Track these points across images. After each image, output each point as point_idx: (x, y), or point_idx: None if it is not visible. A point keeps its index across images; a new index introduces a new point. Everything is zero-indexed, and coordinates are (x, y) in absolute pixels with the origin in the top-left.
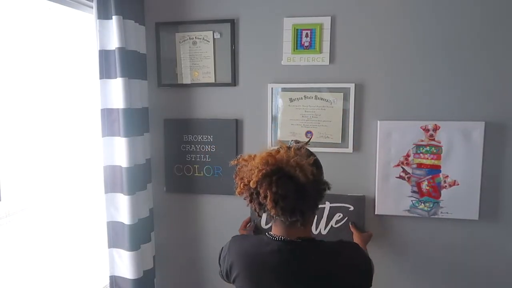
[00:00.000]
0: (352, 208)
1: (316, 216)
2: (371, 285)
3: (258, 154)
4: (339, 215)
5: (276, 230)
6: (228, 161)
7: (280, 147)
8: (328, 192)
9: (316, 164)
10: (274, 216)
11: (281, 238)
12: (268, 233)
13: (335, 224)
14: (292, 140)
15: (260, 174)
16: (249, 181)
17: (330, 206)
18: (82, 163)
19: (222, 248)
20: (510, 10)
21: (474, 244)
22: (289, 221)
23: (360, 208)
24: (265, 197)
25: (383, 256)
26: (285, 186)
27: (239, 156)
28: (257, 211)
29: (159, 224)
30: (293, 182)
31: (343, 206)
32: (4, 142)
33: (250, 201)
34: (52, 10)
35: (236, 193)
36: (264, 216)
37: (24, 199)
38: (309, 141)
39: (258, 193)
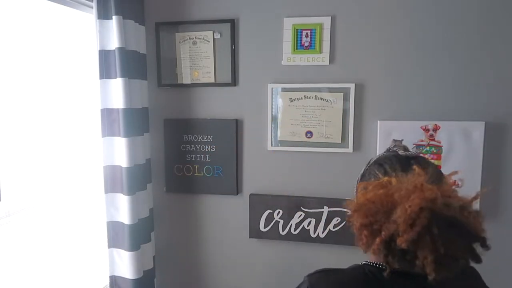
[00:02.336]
0: (350, 212)
1: (315, 219)
2: None
3: (396, 191)
4: (337, 219)
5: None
6: (228, 161)
7: (417, 172)
8: (327, 196)
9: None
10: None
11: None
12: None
13: (333, 228)
14: (394, 146)
15: (416, 228)
16: (396, 234)
17: (328, 211)
18: (82, 163)
19: None
20: (510, 10)
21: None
22: None
23: None
24: (425, 258)
25: None
26: (454, 244)
27: (357, 187)
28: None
29: (159, 224)
30: (464, 235)
31: (342, 211)
32: (4, 142)
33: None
34: (52, 10)
35: (364, 250)
36: (264, 218)
37: (24, 199)
38: (420, 151)
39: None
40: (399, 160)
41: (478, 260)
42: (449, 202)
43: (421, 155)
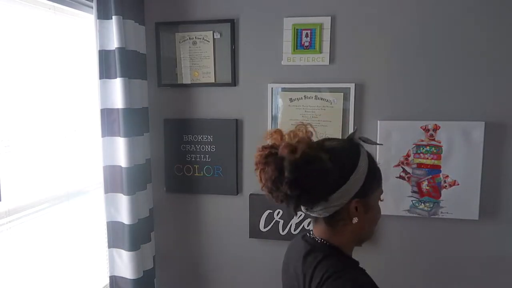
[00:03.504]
0: None
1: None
2: None
3: None
4: None
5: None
6: (228, 161)
7: None
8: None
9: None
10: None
11: (308, 233)
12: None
13: None
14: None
15: None
16: None
17: None
18: (82, 163)
19: None
20: (510, 10)
21: (474, 244)
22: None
23: None
24: None
25: (383, 256)
26: None
27: None
28: None
29: (159, 224)
30: None
31: None
32: (5, 142)
33: None
34: (52, 10)
35: None
36: (264, 218)
37: (24, 199)
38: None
39: None
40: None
41: None
42: None
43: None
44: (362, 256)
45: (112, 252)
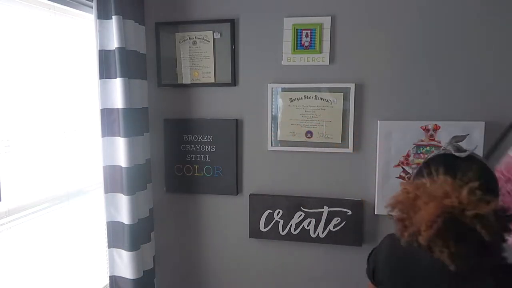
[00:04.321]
0: (350, 212)
1: (315, 219)
2: None
3: (422, 196)
4: (337, 219)
5: None
6: (228, 161)
7: (444, 182)
8: (327, 196)
9: (489, 186)
10: None
11: None
12: None
13: (333, 228)
14: (448, 144)
15: (432, 231)
16: (417, 232)
17: (328, 211)
18: (82, 163)
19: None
20: (510, 11)
21: None
22: None
23: (358, 212)
24: (441, 252)
25: None
26: (465, 244)
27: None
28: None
29: (159, 224)
30: (476, 237)
31: (342, 211)
32: (5, 141)
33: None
34: (52, 10)
35: (400, 235)
36: (264, 218)
37: (24, 199)
38: (473, 150)
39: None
40: (444, 161)
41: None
42: (464, 211)
43: (474, 153)
44: (363, 255)
45: (112, 252)
